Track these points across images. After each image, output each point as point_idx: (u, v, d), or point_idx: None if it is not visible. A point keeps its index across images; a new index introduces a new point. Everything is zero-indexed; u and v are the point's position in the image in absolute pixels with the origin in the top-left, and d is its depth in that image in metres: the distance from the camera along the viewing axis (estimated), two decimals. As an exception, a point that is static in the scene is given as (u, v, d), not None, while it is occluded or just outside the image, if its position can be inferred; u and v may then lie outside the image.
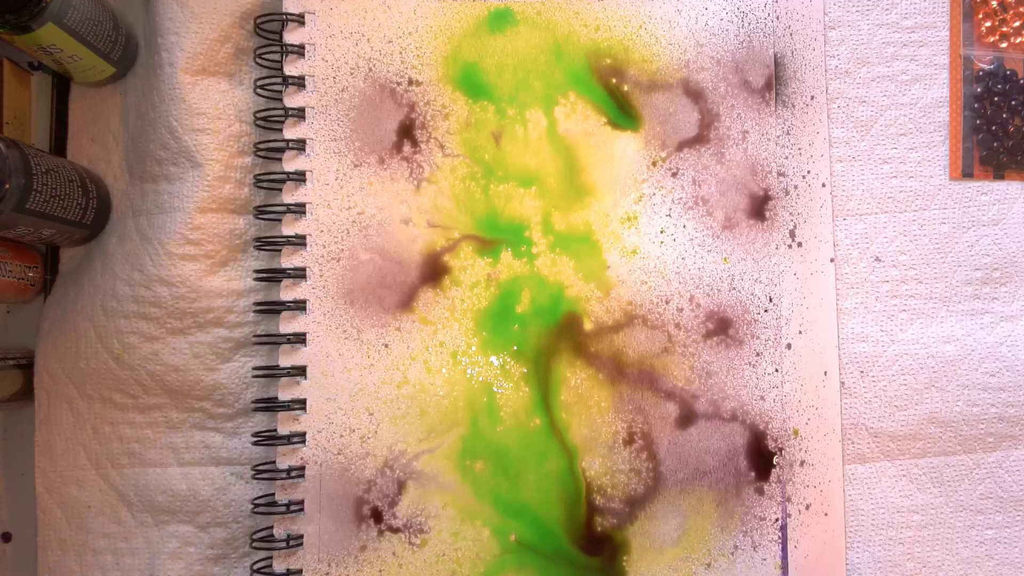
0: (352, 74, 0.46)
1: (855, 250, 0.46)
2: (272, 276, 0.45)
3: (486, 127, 0.46)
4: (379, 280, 0.45)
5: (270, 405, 0.44)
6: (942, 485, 0.46)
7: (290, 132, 0.45)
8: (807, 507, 0.45)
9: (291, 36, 0.46)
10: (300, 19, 0.46)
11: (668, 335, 0.45)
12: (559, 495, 0.44)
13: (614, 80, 0.46)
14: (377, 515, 0.44)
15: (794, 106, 0.46)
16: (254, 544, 0.43)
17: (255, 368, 0.45)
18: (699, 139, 0.46)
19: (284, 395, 0.44)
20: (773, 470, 0.45)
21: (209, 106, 0.44)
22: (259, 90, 0.46)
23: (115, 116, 0.47)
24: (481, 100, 0.46)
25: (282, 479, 0.44)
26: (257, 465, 0.44)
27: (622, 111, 0.46)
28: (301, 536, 0.43)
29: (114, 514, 0.46)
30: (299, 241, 0.45)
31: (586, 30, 0.46)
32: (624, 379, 0.45)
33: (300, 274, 0.45)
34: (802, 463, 0.45)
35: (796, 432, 0.45)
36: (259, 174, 0.45)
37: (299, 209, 0.45)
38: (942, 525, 0.45)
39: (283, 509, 0.44)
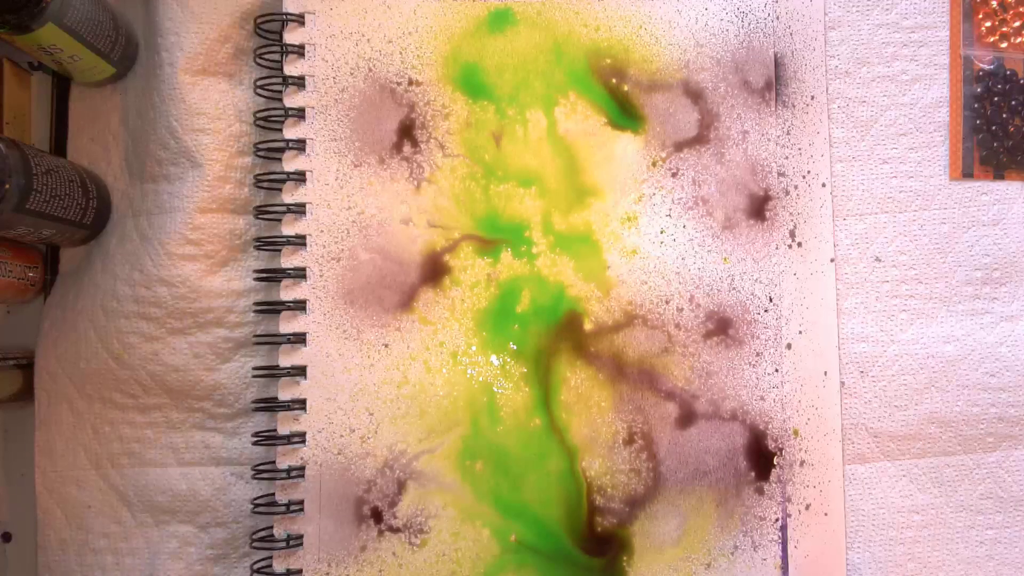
0: (352, 74, 0.46)
1: (855, 250, 0.46)
2: (272, 276, 0.45)
3: (486, 127, 0.46)
4: (379, 280, 0.45)
5: (270, 405, 0.44)
6: (942, 485, 0.46)
7: (290, 132, 0.45)
8: (807, 507, 0.45)
9: (291, 36, 0.46)
10: (300, 19, 0.46)
11: (668, 335, 0.45)
12: (559, 495, 0.44)
13: (614, 80, 0.46)
14: (377, 515, 0.44)
15: (794, 106, 0.46)
16: (254, 544, 0.43)
17: (255, 368, 0.45)
18: (699, 139, 0.46)
19: (284, 395, 0.44)
20: (773, 470, 0.45)
21: (209, 106, 0.44)
22: (259, 90, 0.46)
23: (115, 116, 0.47)
24: (481, 100, 0.46)
25: (282, 479, 0.44)
26: (257, 465, 0.44)
27: (622, 111, 0.46)
28: (301, 536, 0.43)
29: (114, 514, 0.46)
30: (299, 241, 0.45)
31: (586, 30, 0.46)
32: (624, 379, 0.45)
33: (300, 274, 0.45)
34: (802, 463, 0.45)
35: (796, 432, 0.45)
36: (259, 174, 0.45)
37: (299, 209, 0.45)
38: (942, 525, 0.45)
39: (283, 509, 0.44)
